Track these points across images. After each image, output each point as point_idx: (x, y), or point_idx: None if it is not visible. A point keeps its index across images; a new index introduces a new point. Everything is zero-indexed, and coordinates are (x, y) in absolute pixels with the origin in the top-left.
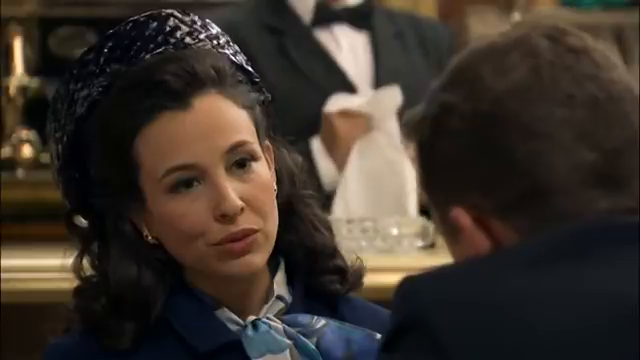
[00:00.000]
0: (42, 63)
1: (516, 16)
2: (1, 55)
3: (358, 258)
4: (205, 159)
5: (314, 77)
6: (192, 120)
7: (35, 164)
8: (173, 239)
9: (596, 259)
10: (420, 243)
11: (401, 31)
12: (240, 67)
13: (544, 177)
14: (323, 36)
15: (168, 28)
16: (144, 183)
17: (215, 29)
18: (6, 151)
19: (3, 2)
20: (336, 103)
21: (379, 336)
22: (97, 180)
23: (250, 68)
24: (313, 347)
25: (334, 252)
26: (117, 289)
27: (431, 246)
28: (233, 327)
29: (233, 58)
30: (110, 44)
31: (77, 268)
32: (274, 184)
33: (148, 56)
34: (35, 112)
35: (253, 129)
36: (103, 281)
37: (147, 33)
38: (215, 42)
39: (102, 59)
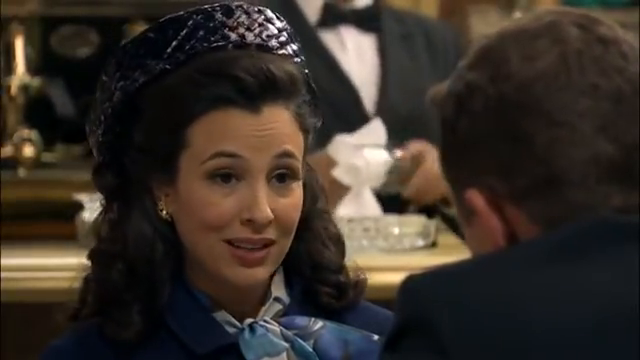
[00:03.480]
0: (43, 62)
1: (517, 15)
2: (2, 54)
3: (361, 271)
4: (253, 156)
5: (315, 79)
6: (255, 122)
7: (36, 163)
8: (190, 223)
9: (597, 259)
10: (421, 242)
11: (409, 33)
12: (309, 84)
13: (561, 167)
14: (328, 37)
15: (256, 25)
16: (183, 162)
17: (296, 39)
18: (7, 150)
19: (4, 1)
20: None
21: (376, 337)
22: (137, 143)
23: (314, 87)
24: (310, 349)
25: (339, 269)
26: (133, 252)
27: (432, 245)
28: (230, 329)
29: (306, 72)
30: (195, 21)
31: (97, 226)
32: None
33: (230, 46)
34: (36, 111)
35: (302, 152)
36: (120, 245)
37: (234, 23)
38: (292, 51)
39: (184, 32)
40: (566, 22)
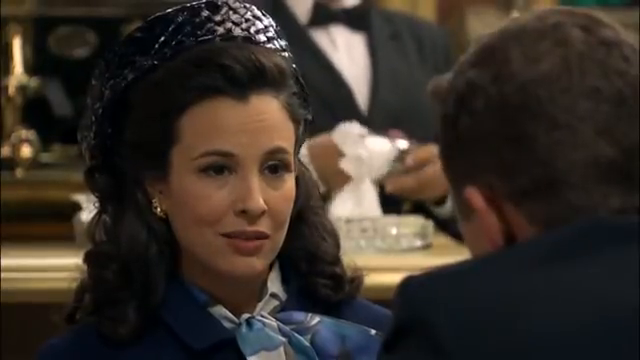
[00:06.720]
0: (41, 63)
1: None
2: (0, 54)
3: (359, 269)
4: (245, 152)
5: (308, 77)
6: (244, 113)
7: (34, 164)
8: (185, 219)
9: (596, 259)
10: (419, 243)
11: (398, 32)
12: (297, 78)
13: (561, 169)
14: (319, 37)
15: (243, 20)
16: (175, 157)
17: (282, 36)
18: (5, 151)
19: (2, 1)
20: (346, 133)
21: (374, 332)
22: (128, 141)
23: (302, 81)
24: (307, 344)
25: (335, 260)
26: (127, 253)
27: (430, 246)
28: (227, 324)
29: (294, 66)
30: (182, 18)
31: (92, 229)
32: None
33: (218, 39)
34: (34, 112)
35: (293, 143)
36: (114, 246)
37: (220, 18)
38: (279, 46)
39: (171, 28)
40: (569, 24)
